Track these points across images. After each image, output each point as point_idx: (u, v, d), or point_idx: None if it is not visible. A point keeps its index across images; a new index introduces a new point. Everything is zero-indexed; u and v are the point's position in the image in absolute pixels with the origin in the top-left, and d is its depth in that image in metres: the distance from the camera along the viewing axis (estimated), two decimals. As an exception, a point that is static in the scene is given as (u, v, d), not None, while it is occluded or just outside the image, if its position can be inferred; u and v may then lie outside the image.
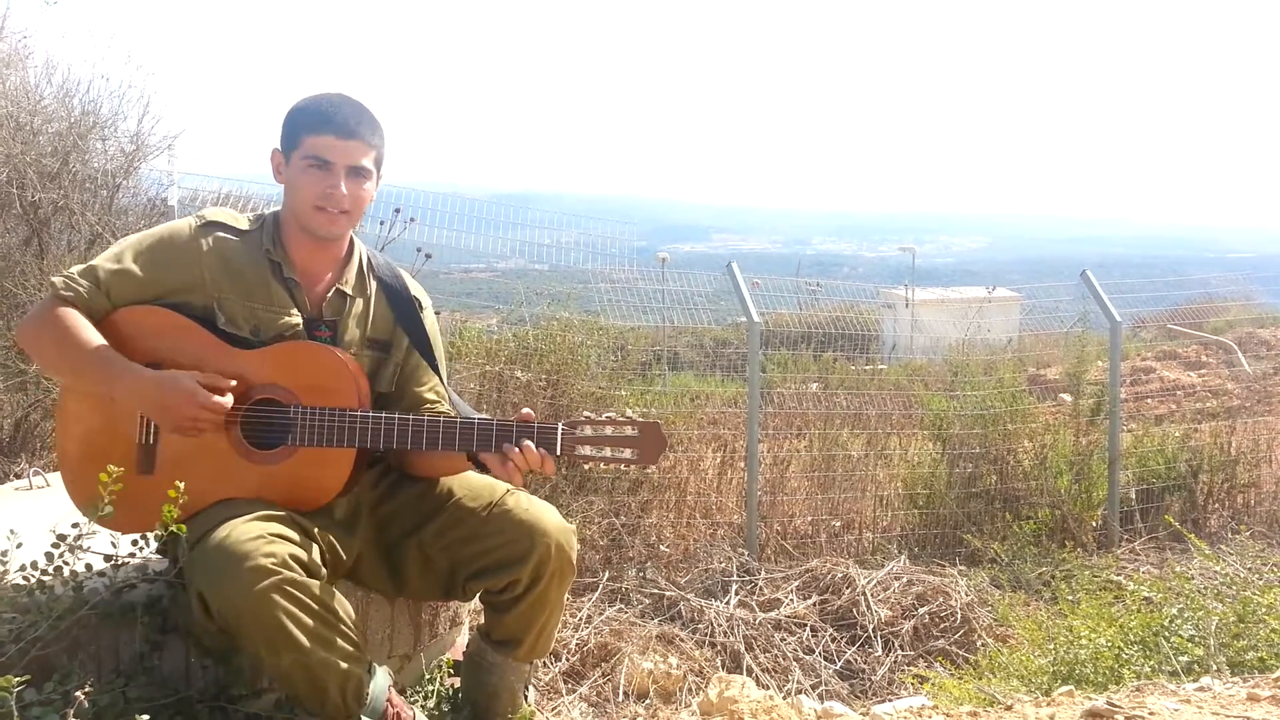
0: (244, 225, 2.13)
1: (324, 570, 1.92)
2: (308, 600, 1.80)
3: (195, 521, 1.90)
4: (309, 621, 1.79)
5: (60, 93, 5.39)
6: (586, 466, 2.17)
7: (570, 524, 2.24)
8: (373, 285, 2.22)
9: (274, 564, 1.76)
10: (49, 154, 5.05)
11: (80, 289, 2.02)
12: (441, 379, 2.27)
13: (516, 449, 1.97)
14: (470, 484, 2.23)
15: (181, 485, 1.86)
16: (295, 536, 1.87)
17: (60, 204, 5.01)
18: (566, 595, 2.36)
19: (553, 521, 2.18)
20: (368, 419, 2.00)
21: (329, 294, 2.15)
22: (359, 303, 2.19)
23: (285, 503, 1.97)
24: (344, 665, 1.85)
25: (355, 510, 2.16)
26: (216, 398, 1.96)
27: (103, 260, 2.07)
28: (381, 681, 1.95)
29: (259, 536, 1.79)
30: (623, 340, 5.58)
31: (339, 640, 1.85)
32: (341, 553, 2.07)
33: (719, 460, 5.33)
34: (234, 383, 2.00)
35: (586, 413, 2.05)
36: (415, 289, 2.29)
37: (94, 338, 1.99)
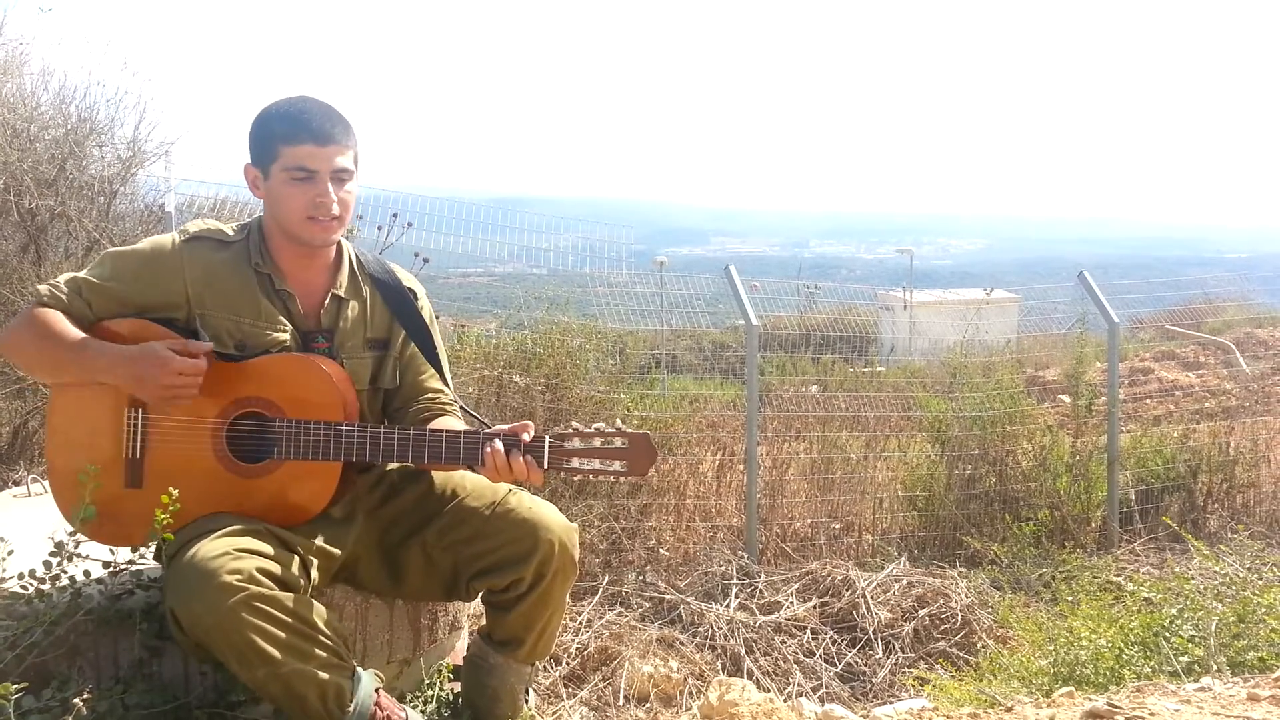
0: (229, 236, 2.11)
1: (303, 581, 1.91)
2: (278, 613, 1.79)
3: (175, 537, 1.89)
4: (280, 634, 1.79)
5: (57, 99, 5.38)
6: (576, 479, 2.16)
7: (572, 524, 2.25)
8: (367, 285, 2.21)
9: (239, 580, 1.76)
10: (46, 161, 5.04)
11: (63, 298, 2.03)
12: (442, 369, 2.26)
13: (503, 455, 1.96)
14: (473, 484, 2.24)
15: (175, 493, 1.85)
16: (268, 550, 1.86)
17: (57, 211, 5.01)
18: (567, 597, 2.36)
19: (556, 520, 2.19)
20: (353, 432, 1.99)
21: (325, 300, 2.14)
22: (355, 305, 2.18)
23: (271, 516, 1.96)
24: (322, 674, 1.84)
25: (352, 512, 2.16)
26: (191, 360, 1.94)
27: (87, 273, 2.07)
28: (367, 685, 1.94)
29: (225, 553, 1.79)
30: (621, 344, 5.58)
31: (316, 650, 1.84)
32: (334, 549, 2.06)
33: (718, 463, 5.32)
34: (209, 345, 1.99)
35: (575, 424, 2.04)
36: (408, 279, 2.28)
37: (72, 332, 1.99)
